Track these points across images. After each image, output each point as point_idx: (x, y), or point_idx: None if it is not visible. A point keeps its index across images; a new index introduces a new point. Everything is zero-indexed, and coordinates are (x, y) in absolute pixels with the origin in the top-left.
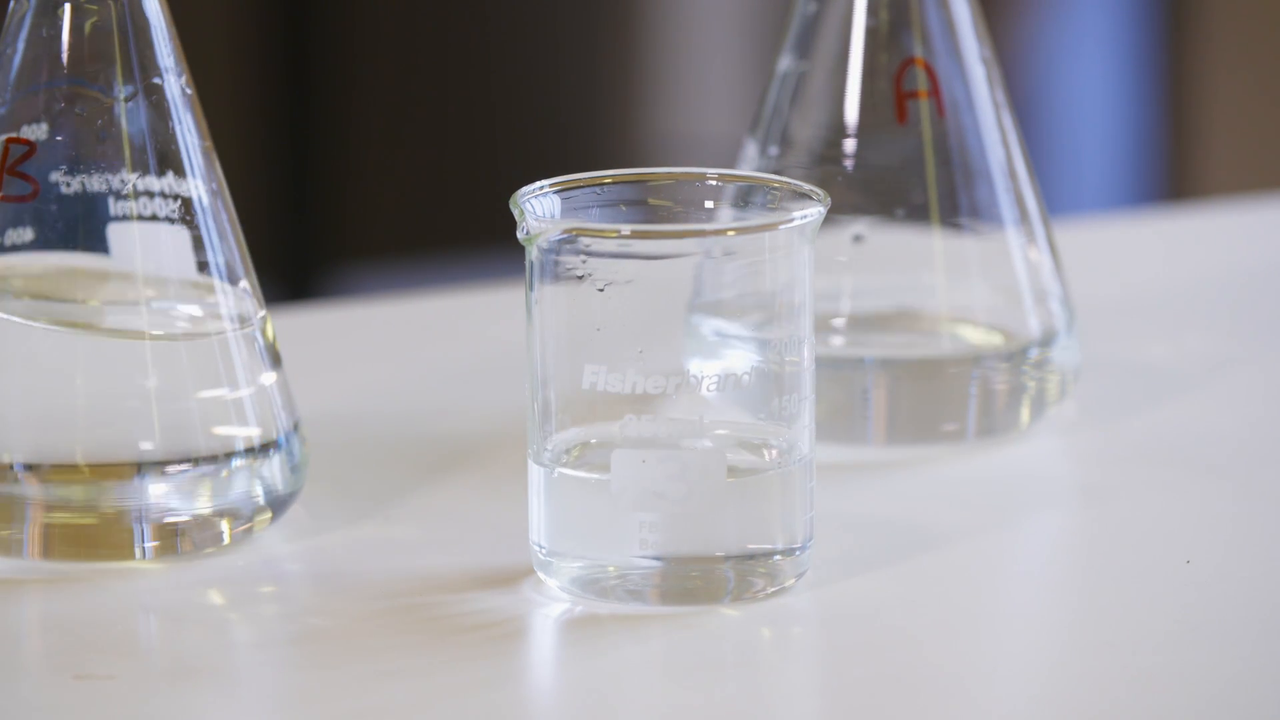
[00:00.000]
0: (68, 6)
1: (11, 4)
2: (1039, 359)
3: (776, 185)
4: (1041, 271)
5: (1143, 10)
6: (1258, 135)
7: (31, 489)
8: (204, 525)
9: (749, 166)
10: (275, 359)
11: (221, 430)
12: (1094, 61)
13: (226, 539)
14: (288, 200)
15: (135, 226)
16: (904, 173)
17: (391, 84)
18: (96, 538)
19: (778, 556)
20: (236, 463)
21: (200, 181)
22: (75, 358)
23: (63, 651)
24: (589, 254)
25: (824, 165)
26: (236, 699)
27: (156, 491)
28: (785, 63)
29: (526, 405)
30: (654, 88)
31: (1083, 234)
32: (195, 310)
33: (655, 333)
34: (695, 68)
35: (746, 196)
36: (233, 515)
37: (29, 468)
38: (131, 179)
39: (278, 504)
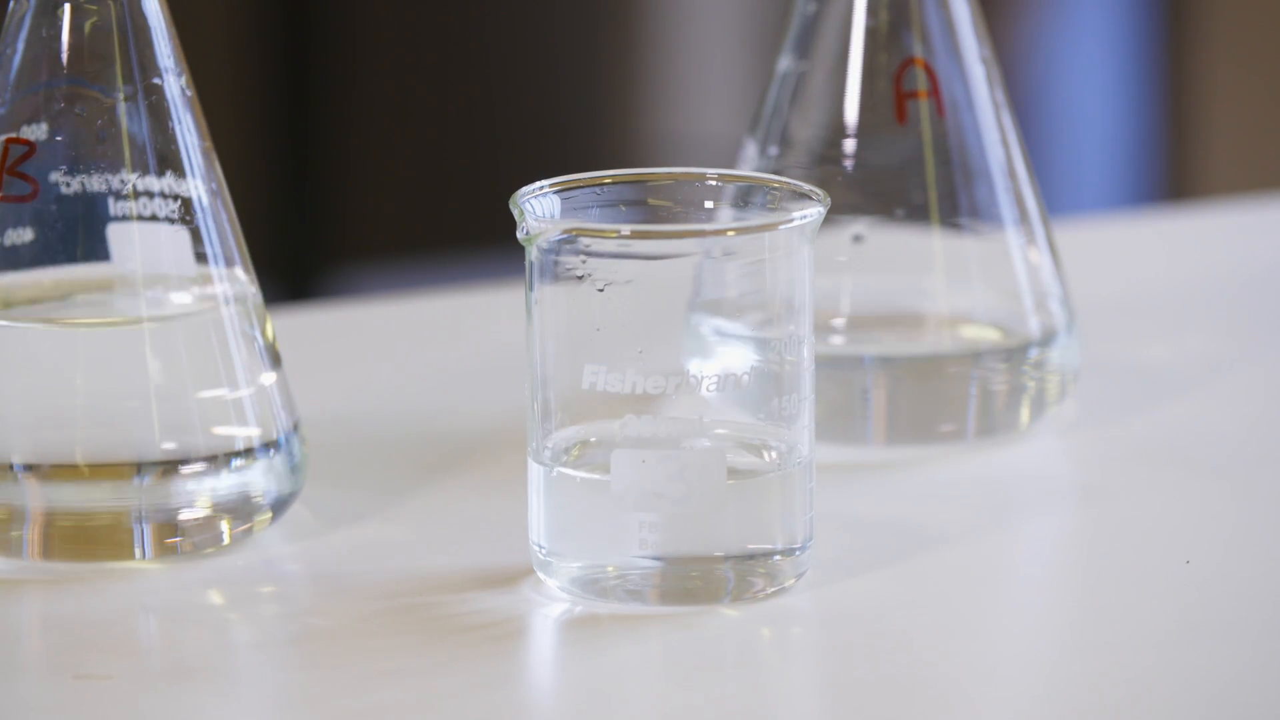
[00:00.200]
0: (68, 6)
1: (11, 4)
2: (1039, 359)
3: (776, 185)
4: (1041, 271)
5: (1143, 10)
6: (1258, 135)
7: (31, 489)
8: (204, 525)
9: (749, 166)
10: (275, 359)
11: (221, 430)
12: (1094, 61)
13: (226, 539)
14: (288, 200)
15: (135, 227)
16: (904, 173)
17: (391, 84)
18: (96, 538)
19: (777, 557)
20: (236, 463)
21: (200, 181)
22: (75, 357)
23: (63, 651)
24: (589, 254)
25: (824, 165)
26: (236, 699)
27: (156, 491)
28: (785, 63)
29: (526, 405)
30: (654, 88)
31: (1083, 234)
32: (189, 297)
33: (655, 333)
34: (695, 68)
35: (746, 196)
36: (233, 515)
37: (29, 468)
38: (131, 179)
39: (278, 504)
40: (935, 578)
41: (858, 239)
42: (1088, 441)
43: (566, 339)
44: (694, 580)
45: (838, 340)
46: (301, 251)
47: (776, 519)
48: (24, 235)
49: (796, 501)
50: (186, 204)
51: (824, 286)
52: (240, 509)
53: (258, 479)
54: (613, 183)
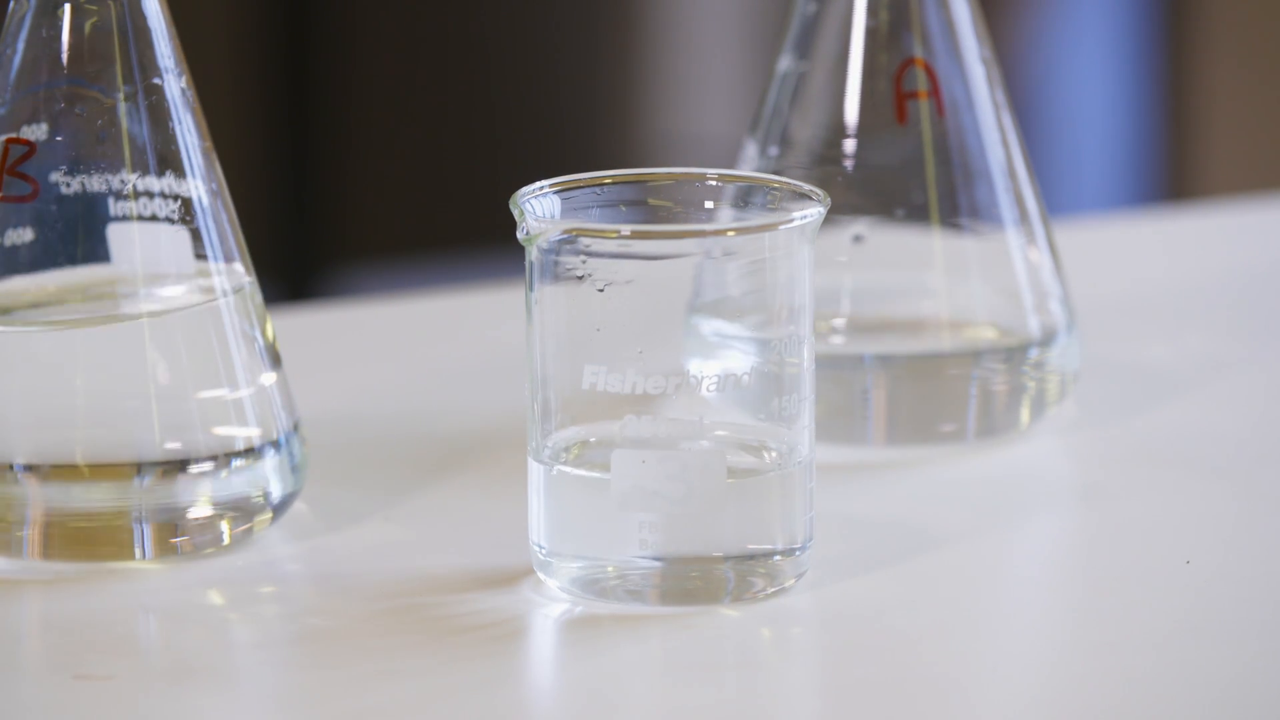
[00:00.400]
0: (68, 7)
1: (11, 4)
2: (1039, 359)
3: (776, 185)
4: (1041, 271)
5: (1143, 10)
6: (1258, 135)
7: (31, 489)
8: (204, 525)
9: (749, 166)
10: (275, 359)
11: (221, 430)
12: (1094, 61)
13: (226, 539)
14: (288, 200)
15: (135, 227)
16: (904, 173)
17: (391, 84)
18: (96, 538)
19: (777, 557)
20: (236, 463)
21: (200, 182)
22: (75, 357)
23: (63, 651)
24: (589, 254)
25: (824, 165)
26: (236, 699)
27: (156, 492)
28: (785, 63)
29: (526, 405)
30: (654, 88)
31: (1083, 234)
32: (184, 289)
33: (655, 333)
34: (695, 68)
35: (746, 196)
36: (233, 515)
37: (29, 468)
38: (131, 179)
39: (278, 504)
40: (935, 578)
41: (858, 239)
42: (1088, 441)
43: (566, 339)
44: (694, 580)
45: (838, 340)
46: (301, 251)
47: (776, 519)
48: (24, 235)
49: (796, 502)
50: (186, 204)
51: (824, 286)
52: (240, 509)
53: (258, 479)
54: (613, 183)
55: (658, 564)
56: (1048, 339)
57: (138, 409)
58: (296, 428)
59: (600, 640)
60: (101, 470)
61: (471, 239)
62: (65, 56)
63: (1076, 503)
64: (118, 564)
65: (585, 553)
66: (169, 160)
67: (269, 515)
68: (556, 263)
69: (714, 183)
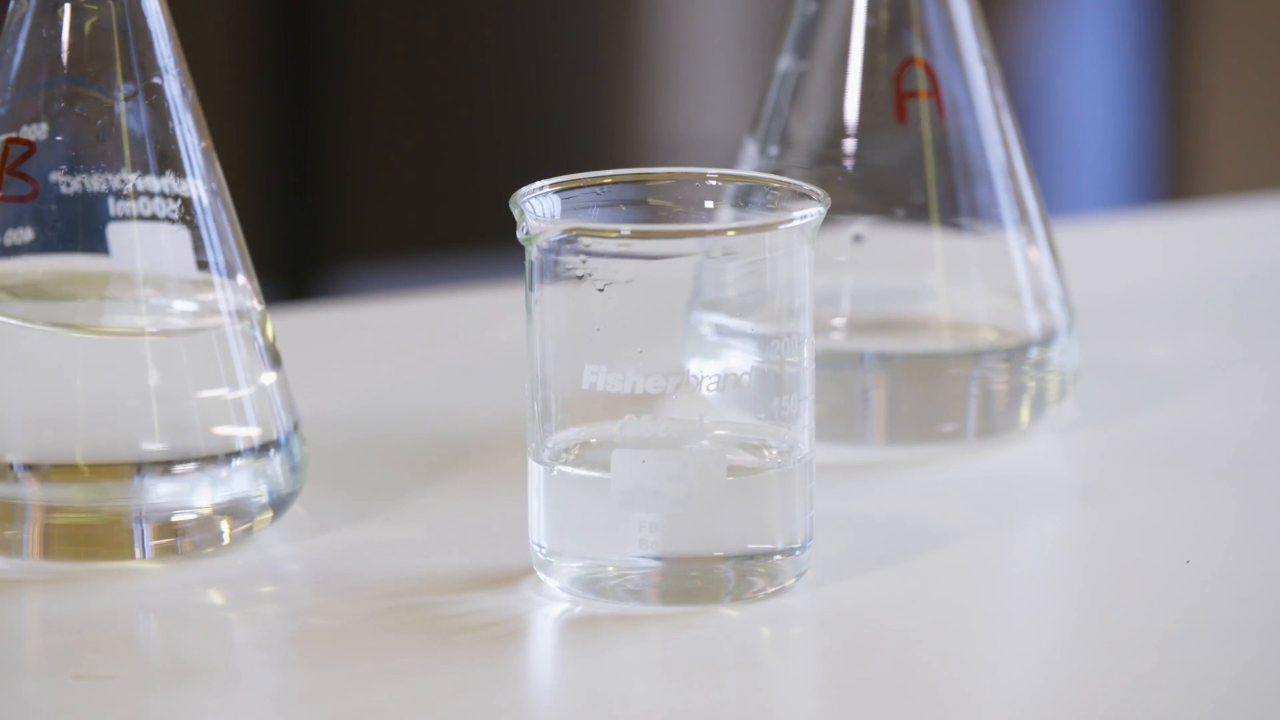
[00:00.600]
0: (68, 6)
1: (11, 4)
2: (1039, 359)
3: (776, 185)
4: (1041, 271)
5: (1143, 10)
6: (1258, 135)
7: (31, 489)
8: (204, 525)
9: (749, 166)
10: (275, 359)
11: (221, 430)
12: (1094, 61)
13: (226, 539)
14: (288, 200)
15: (135, 226)
16: (904, 173)
17: (391, 84)
18: (96, 538)
19: (777, 556)
20: (236, 463)
21: (200, 181)
22: (75, 358)
23: (63, 651)
24: (589, 254)
25: (824, 165)
26: (236, 699)
27: (156, 491)
28: (785, 63)
29: (526, 405)
30: (654, 88)
31: (1083, 234)
32: (192, 306)
33: (655, 333)
34: (695, 68)
35: (746, 196)
36: (233, 515)
37: (29, 468)
38: (131, 179)
39: (278, 504)
40: (935, 578)
41: (858, 239)
42: (1088, 441)
43: (566, 339)
44: (694, 580)
45: (838, 340)
46: (301, 251)
47: (776, 519)
48: (24, 235)
49: (796, 501)
50: (186, 204)
51: (824, 286)
52: (240, 509)
53: (258, 479)
54: (613, 183)
55: (658, 564)
56: (1048, 339)
57: (138, 409)
58: (296, 428)
59: (600, 640)
60: (101, 470)
61: (471, 239)
62: (65, 56)
63: (1076, 503)
64: (117, 564)
65: (585, 552)
66: (169, 160)
67: (269, 515)
68: (556, 262)
69: (714, 183)
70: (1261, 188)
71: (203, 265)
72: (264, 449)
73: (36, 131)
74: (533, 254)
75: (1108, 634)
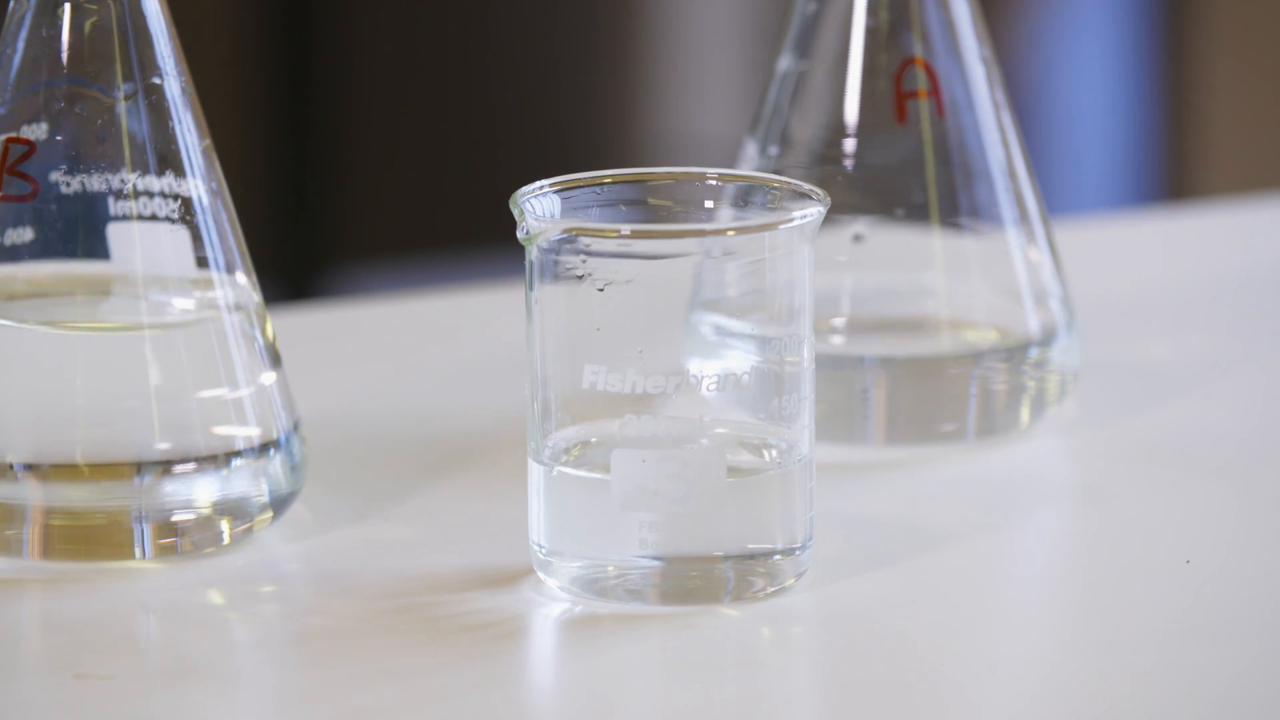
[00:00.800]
0: (68, 6)
1: (11, 4)
2: (1039, 359)
3: (776, 185)
4: (1041, 271)
5: (1143, 10)
6: (1258, 135)
7: (31, 489)
8: (204, 525)
9: (749, 166)
10: (275, 359)
11: (221, 430)
12: (1094, 61)
13: (226, 539)
14: (288, 200)
15: (135, 226)
16: (904, 172)
17: (391, 84)
18: (96, 538)
19: (777, 556)
20: (236, 463)
21: (200, 181)
22: (75, 358)
23: (63, 651)
24: (589, 254)
25: (824, 165)
26: (236, 699)
27: (156, 491)
28: (785, 63)
29: (526, 405)
30: (654, 88)
31: (1083, 234)
32: (191, 303)
33: (655, 332)
34: (695, 68)
35: (746, 196)
36: (233, 515)
37: (29, 468)
38: (131, 179)
39: (278, 504)
40: (935, 578)
41: (858, 239)
42: (1088, 441)
43: (566, 339)
44: (694, 580)
45: (838, 340)
46: (301, 251)
47: (776, 519)
48: (24, 235)
49: (796, 501)
50: (186, 203)
51: (824, 286)
52: (240, 509)
53: (258, 479)
54: (613, 182)
55: (658, 563)
56: (1048, 339)
57: (138, 408)
58: (296, 427)
59: (600, 640)
60: (101, 470)
61: (471, 239)
62: (65, 56)
63: (1076, 503)
64: (117, 564)
65: (585, 552)
66: (169, 160)
67: (269, 515)
68: (556, 262)
69: (714, 182)
70: (1261, 188)
71: (202, 264)
72: (264, 449)
73: (36, 131)
74: (533, 254)
75: (1108, 634)
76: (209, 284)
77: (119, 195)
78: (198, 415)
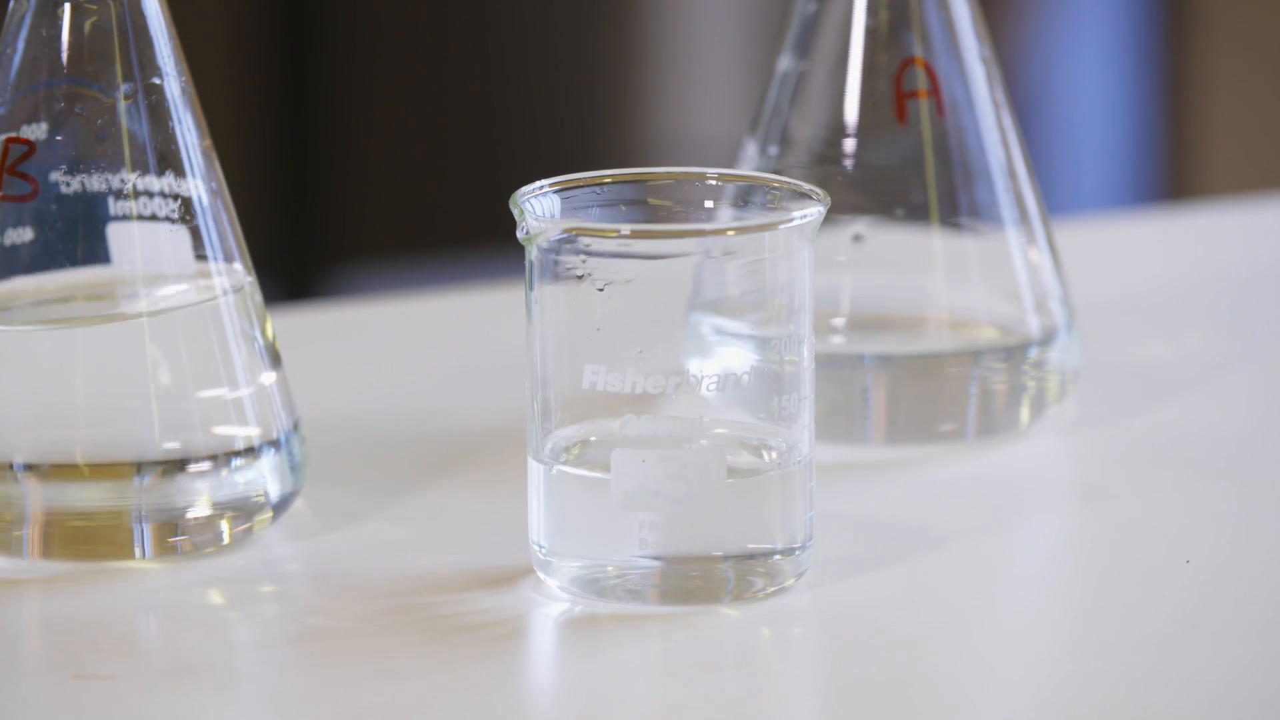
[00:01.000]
0: (67, 6)
1: (11, 4)
2: (1039, 359)
3: (776, 185)
4: (1041, 271)
5: (1143, 10)
6: (1258, 135)
7: (32, 489)
8: (204, 525)
9: (749, 166)
10: (275, 359)
11: (221, 430)
12: (1094, 61)
13: (226, 539)
14: (288, 200)
15: (135, 226)
16: (904, 172)
17: (391, 84)
18: (96, 538)
19: (777, 556)
20: (236, 462)
21: (200, 181)
22: (75, 357)
23: (63, 651)
24: (589, 254)
25: (824, 165)
26: (236, 699)
27: (156, 491)
28: (785, 63)
29: (526, 405)
30: (654, 88)
31: (1083, 234)
32: (191, 295)
33: (655, 332)
34: (695, 68)
35: (746, 196)
36: (233, 515)
37: (29, 468)
38: (131, 179)
39: (278, 504)
40: (935, 578)
41: (858, 239)
42: (1088, 441)
43: (566, 339)
44: (694, 580)
45: (838, 340)
46: (301, 251)
47: (776, 518)
48: (24, 235)
49: (796, 501)
50: (186, 203)
51: (824, 286)
52: (240, 508)
53: (258, 478)
54: (613, 182)
55: (658, 563)
56: (1048, 338)
57: (137, 408)
58: (296, 427)
59: (600, 640)
60: (101, 470)
61: (471, 239)
62: (65, 56)
63: (1076, 503)
64: (117, 564)
65: (585, 552)
66: (169, 160)
67: (269, 515)
68: (556, 262)
69: (714, 182)
70: (1261, 188)
71: (202, 264)
72: (264, 449)
73: (36, 131)
74: (533, 254)
75: (1108, 634)
76: (206, 274)
77: (119, 195)
78: (198, 415)
